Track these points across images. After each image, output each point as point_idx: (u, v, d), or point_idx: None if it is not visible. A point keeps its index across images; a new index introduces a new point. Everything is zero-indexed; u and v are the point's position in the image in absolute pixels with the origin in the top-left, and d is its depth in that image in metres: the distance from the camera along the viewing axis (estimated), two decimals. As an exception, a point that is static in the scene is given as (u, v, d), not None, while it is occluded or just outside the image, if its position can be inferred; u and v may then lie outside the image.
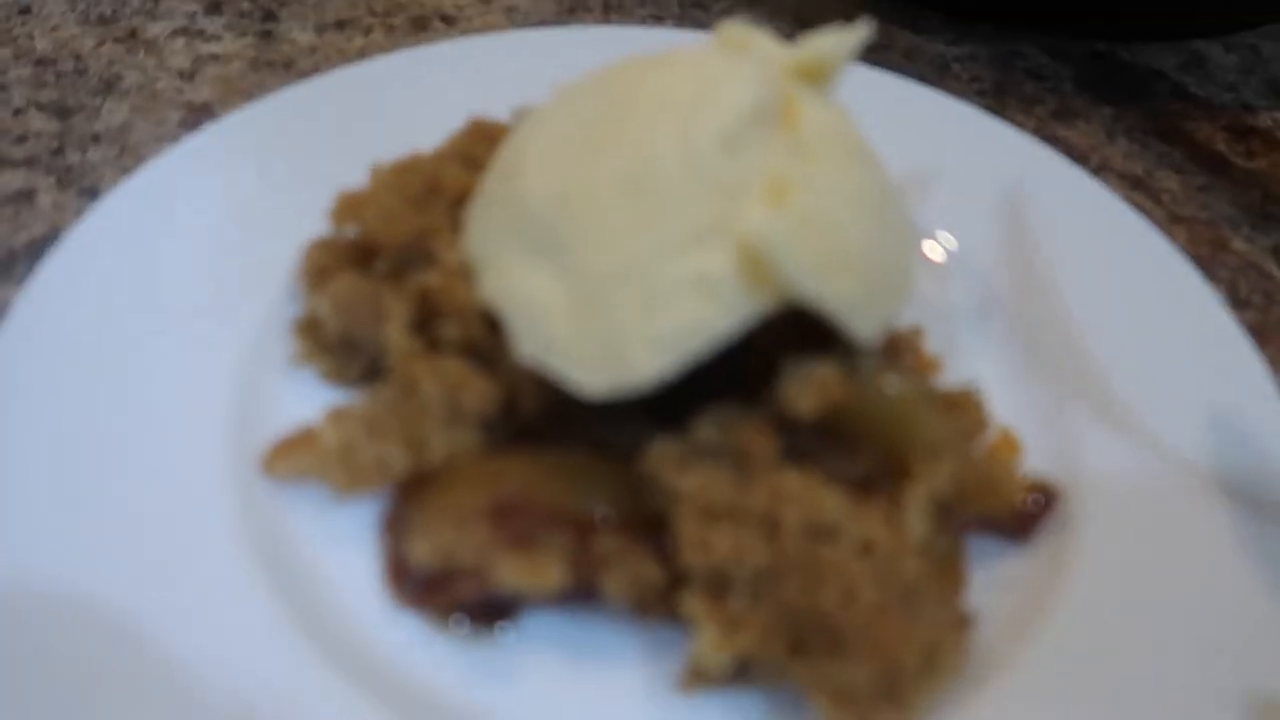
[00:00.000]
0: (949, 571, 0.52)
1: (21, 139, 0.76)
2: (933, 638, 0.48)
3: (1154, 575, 0.53)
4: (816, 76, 0.55)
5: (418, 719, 0.48)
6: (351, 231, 0.62)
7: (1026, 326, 0.66)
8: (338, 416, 0.56)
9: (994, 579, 0.54)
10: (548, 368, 0.50)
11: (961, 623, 0.50)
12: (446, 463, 0.53)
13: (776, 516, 0.48)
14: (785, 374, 0.50)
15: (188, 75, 0.82)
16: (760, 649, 0.48)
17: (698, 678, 0.50)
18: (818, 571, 0.47)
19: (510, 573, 0.48)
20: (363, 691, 0.47)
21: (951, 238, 0.71)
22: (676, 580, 0.49)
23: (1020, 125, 0.83)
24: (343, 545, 0.54)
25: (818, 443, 0.51)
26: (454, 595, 0.50)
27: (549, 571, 0.48)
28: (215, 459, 0.55)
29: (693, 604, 0.48)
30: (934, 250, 0.70)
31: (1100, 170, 0.82)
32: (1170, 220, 0.78)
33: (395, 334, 0.56)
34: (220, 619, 0.49)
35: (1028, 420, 0.60)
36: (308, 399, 0.60)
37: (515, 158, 0.55)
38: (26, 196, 0.72)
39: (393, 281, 0.58)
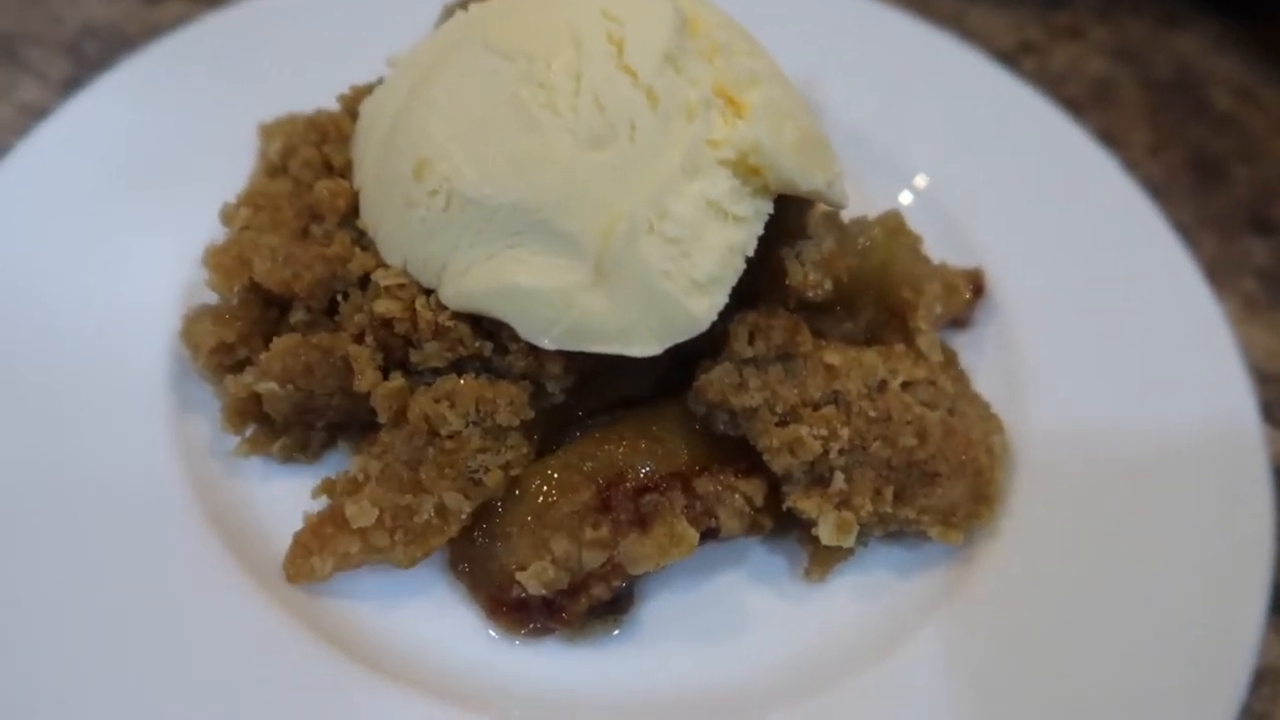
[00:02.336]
0: (958, 374, 0.58)
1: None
2: (983, 432, 0.54)
3: None
4: None
5: None
6: (235, 294, 0.53)
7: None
8: (349, 488, 0.50)
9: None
10: (582, 349, 0.48)
11: (989, 410, 0.56)
12: (507, 483, 0.49)
13: (839, 393, 0.51)
14: (787, 264, 0.52)
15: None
16: (873, 514, 0.51)
17: (823, 565, 0.52)
18: (890, 423, 0.51)
19: (649, 553, 0.47)
20: None
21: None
22: (774, 490, 0.51)
23: (1130, 29, 0.84)
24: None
25: (825, 319, 0.54)
26: (586, 603, 0.48)
27: (685, 536, 0.48)
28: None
29: (804, 503, 0.50)
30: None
31: (1207, 80, 0.82)
32: (1273, 132, 0.79)
33: (375, 383, 0.50)
34: None
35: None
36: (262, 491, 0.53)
37: (423, 154, 0.49)
38: None
39: (329, 328, 0.51)
